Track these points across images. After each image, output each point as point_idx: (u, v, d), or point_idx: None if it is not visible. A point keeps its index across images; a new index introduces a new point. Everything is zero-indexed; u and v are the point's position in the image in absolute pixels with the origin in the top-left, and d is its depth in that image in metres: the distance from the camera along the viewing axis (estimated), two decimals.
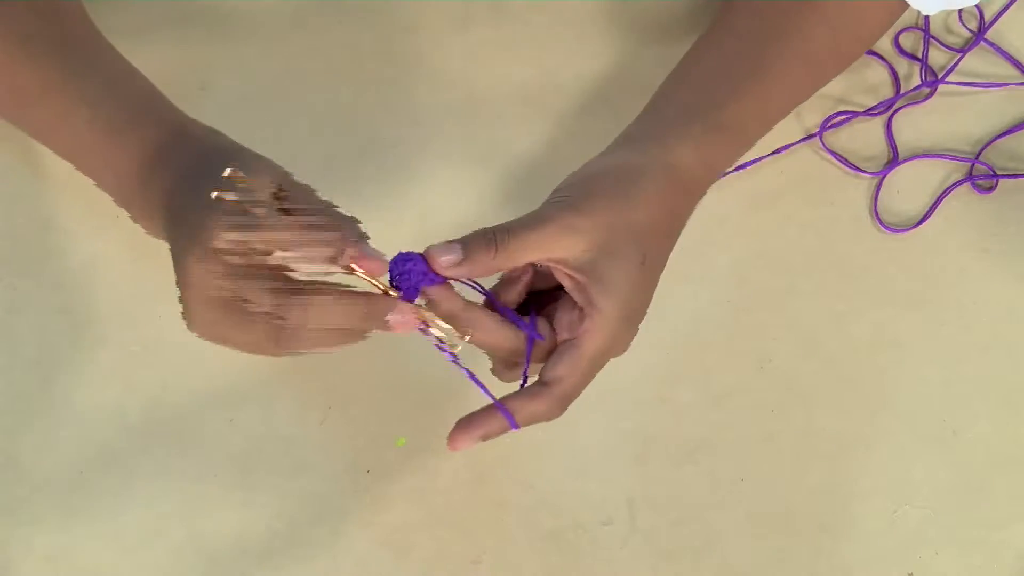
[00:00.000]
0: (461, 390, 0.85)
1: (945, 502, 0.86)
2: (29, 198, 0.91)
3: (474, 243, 0.71)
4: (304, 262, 0.67)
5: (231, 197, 0.66)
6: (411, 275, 0.71)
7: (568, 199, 0.74)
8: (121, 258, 0.89)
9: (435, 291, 0.72)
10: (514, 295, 0.75)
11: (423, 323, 0.71)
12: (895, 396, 0.88)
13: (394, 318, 0.69)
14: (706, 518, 0.85)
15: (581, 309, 0.73)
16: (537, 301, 0.76)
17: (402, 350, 0.87)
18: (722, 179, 0.87)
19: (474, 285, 0.73)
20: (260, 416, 0.86)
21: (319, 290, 0.68)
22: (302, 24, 0.98)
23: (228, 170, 0.67)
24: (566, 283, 0.73)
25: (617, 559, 0.83)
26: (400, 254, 0.71)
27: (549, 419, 0.74)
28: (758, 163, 0.93)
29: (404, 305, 0.70)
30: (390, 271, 0.70)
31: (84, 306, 0.88)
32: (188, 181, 0.72)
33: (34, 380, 0.86)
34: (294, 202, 0.69)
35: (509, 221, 0.73)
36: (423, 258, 0.71)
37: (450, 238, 0.72)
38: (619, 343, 0.74)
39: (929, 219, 0.94)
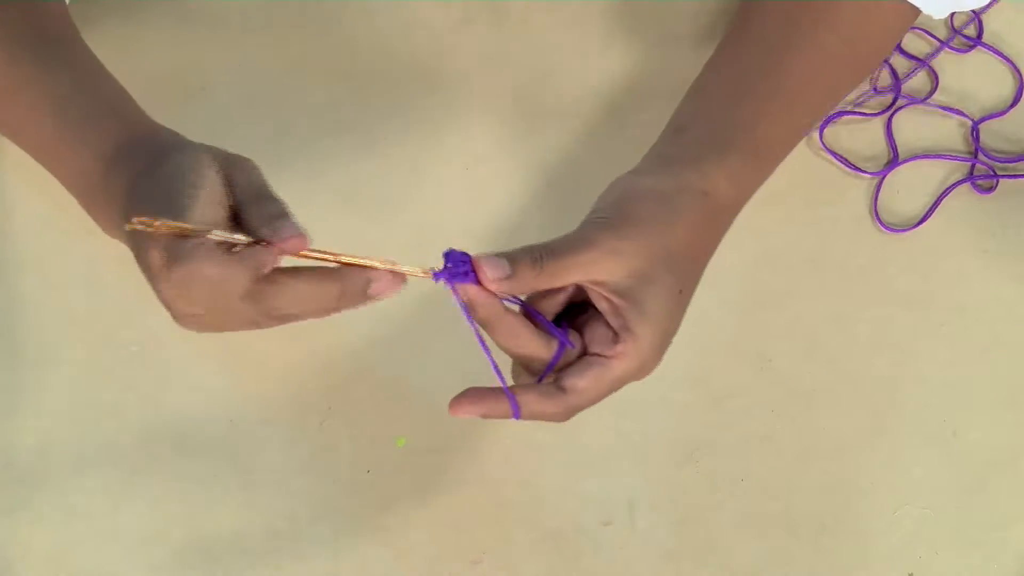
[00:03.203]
0: (461, 390, 0.86)
1: (945, 502, 0.86)
2: (29, 198, 0.90)
3: (521, 261, 0.71)
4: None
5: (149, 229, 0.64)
6: (455, 265, 0.70)
7: (608, 221, 0.73)
8: (121, 258, 0.88)
9: (477, 294, 0.71)
10: (553, 306, 0.75)
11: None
12: (895, 396, 0.88)
13: (375, 287, 0.68)
14: (706, 518, 0.85)
15: (616, 332, 0.73)
16: (568, 312, 0.76)
17: (402, 350, 0.88)
18: None
19: (514, 299, 0.73)
20: (260, 416, 0.86)
21: (292, 278, 0.67)
22: (302, 24, 0.98)
23: (134, 220, 0.64)
24: (602, 305, 0.73)
25: (617, 559, 0.83)
26: (451, 250, 0.71)
27: (553, 422, 0.74)
28: None
29: (379, 272, 0.68)
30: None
31: (84, 306, 0.88)
32: (141, 183, 0.71)
33: (34, 380, 0.86)
34: (238, 191, 0.68)
35: (553, 241, 0.72)
36: (469, 260, 0.71)
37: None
38: (645, 369, 0.74)
39: (929, 219, 0.94)
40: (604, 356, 0.73)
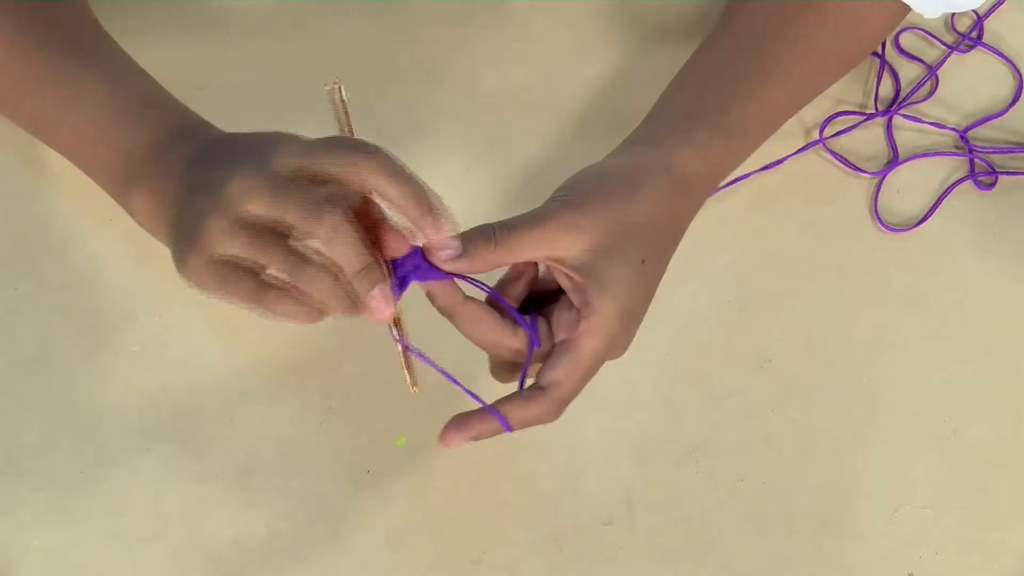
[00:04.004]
0: (461, 390, 0.86)
1: (945, 502, 0.86)
2: (29, 198, 0.91)
3: (473, 238, 0.71)
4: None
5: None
6: (403, 265, 0.70)
7: (568, 198, 0.74)
8: (121, 258, 0.89)
9: (435, 285, 0.72)
10: (516, 292, 0.75)
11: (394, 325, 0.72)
12: (895, 396, 0.88)
13: (372, 294, 0.69)
14: (706, 518, 0.85)
15: (578, 309, 0.73)
16: (538, 304, 0.76)
17: None
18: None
19: (477, 283, 0.73)
20: (260, 416, 0.86)
21: (319, 268, 0.69)
22: (302, 24, 0.98)
23: (333, 80, 0.69)
24: (564, 283, 0.73)
25: (617, 559, 0.83)
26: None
27: (545, 422, 0.74)
28: (759, 171, 0.93)
29: (383, 289, 0.69)
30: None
31: (84, 306, 0.88)
32: (217, 151, 0.73)
33: (34, 380, 0.86)
34: None
35: (510, 218, 0.73)
36: (420, 251, 0.71)
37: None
38: (616, 345, 0.74)
39: (929, 219, 0.94)
40: (571, 339, 0.73)
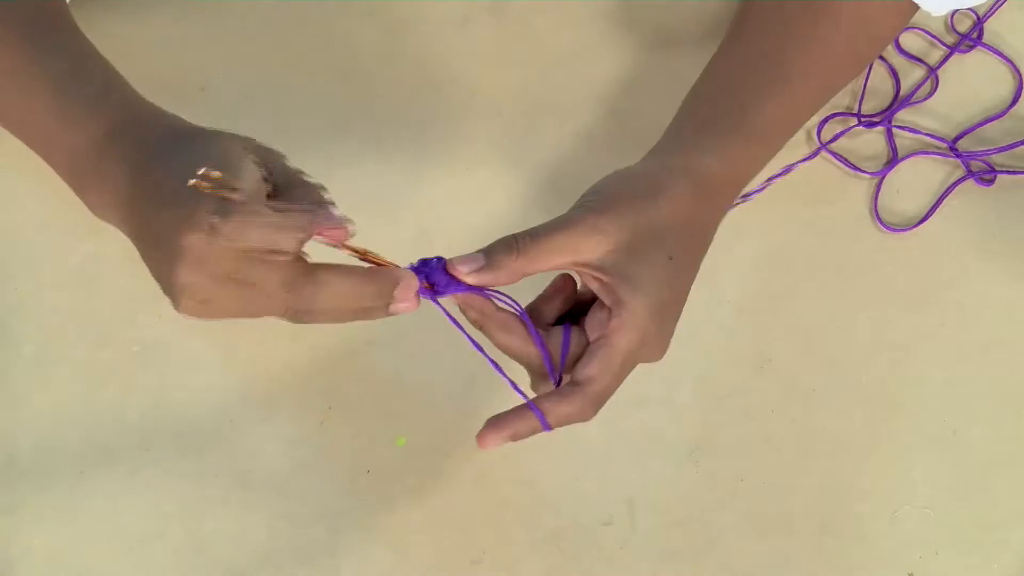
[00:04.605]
0: (462, 390, 0.86)
1: (945, 502, 0.86)
2: (29, 198, 0.91)
3: (496, 249, 0.72)
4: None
5: (206, 187, 0.65)
6: (435, 274, 0.71)
7: (591, 203, 0.74)
8: (121, 258, 0.89)
9: (469, 298, 0.72)
10: (552, 309, 0.76)
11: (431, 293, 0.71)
12: (895, 396, 0.88)
13: (399, 298, 0.69)
14: (706, 518, 0.85)
15: (610, 309, 0.73)
16: (575, 316, 0.76)
17: (402, 350, 0.88)
18: None
19: (508, 300, 0.73)
20: (260, 416, 0.86)
21: (334, 275, 0.68)
22: (302, 24, 0.98)
23: (203, 169, 0.65)
24: (593, 285, 0.73)
25: (617, 559, 0.83)
26: (421, 260, 0.71)
27: (582, 420, 0.74)
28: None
29: (404, 272, 0.70)
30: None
31: (84, 306, 0.88)
32: (162, 160, 0.71)
33: (34, 380, 0.86)
34: (274, 177, 0.69)
35: (535, 227, 0.73)
36: (444, 267, 0.71)
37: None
38: (650, 343, 0.74)
39: (929, 219, 0.94)
40: (603, 336, 0.73)
